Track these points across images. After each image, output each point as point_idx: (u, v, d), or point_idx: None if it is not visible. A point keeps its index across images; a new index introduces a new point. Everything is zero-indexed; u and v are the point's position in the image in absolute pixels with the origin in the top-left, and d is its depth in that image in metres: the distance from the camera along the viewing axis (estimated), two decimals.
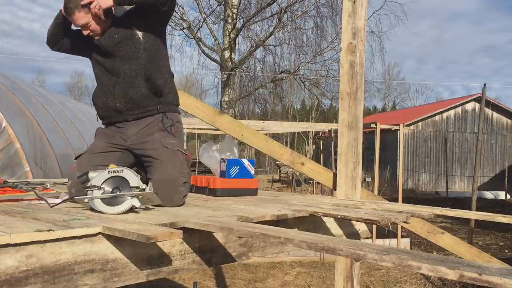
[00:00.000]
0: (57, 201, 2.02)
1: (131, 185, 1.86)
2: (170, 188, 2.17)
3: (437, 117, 22.48)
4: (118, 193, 1.84)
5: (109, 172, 1.87)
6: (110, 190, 1.85)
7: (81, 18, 2.21)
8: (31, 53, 76.91)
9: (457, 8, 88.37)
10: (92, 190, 1.83)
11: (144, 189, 1.86)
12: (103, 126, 2.50)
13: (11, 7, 75.45)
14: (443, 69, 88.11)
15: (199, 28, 15.96)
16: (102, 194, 1.83)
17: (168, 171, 2.22)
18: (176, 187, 2.19)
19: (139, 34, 2.31)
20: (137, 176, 1.88)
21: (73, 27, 2.38)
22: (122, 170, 1.88)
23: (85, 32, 2.27)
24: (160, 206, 2.16)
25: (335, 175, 3.13)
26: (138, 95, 2.32)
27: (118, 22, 2.31)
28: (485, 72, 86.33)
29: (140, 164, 2.38)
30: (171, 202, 2.15)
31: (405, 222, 2.07)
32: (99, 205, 1.80)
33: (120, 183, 1.86)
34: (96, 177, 1.87)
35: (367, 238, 2.91)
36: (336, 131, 10.46)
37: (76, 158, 2.34)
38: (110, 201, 1.82)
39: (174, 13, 15.39)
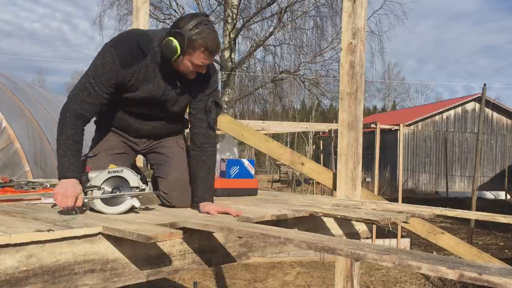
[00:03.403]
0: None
1: (131, 185, 1.84)
2: (188, 189, 2.13)
3: (437, 117, 22.47)
4: (118, 193, 1.83)
5: (109, 172, 1.85)
6: (110, 190, 1.83)
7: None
8: (32, 53, 77.19)
9: (458, 9, 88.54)
10: (91, 190, 1.81)
11: (144, 189, 1.85)
12: None
13: (12, 7, 75.76)
14: (444, 69, 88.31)
15: None
16: (102, 194, 1.82)
17: (187, 173, 2.17)
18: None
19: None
20: (136, 176, 1.87)
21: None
22: (122, 170, 1.87)
23: (201, 70, 1.98)
24: (164, 206, 2.15)
25: (335, 175, 3.13)
26: (162, 133, 2.26)
27: (189, 93, 2.10)
28: (485, 73, 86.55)
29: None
30: (185, 203, 2.13)
31: (405, 222, 2.07)
32: (99, 205, 1.79)
33: (120, 183, 1.85)
34: (96, 177, 1.85)
35: (367, 238, 2.91)
36: (336, 131, 10.45)
37: (89, 157, 2.16)
38: (110, 201, 1.81)
39: (174, 13, 15.42)
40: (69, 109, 1.88)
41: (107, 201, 1.81)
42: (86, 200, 1.82)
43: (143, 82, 1.99)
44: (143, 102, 2.05)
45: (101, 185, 1.82)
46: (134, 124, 2.16)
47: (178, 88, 2.05)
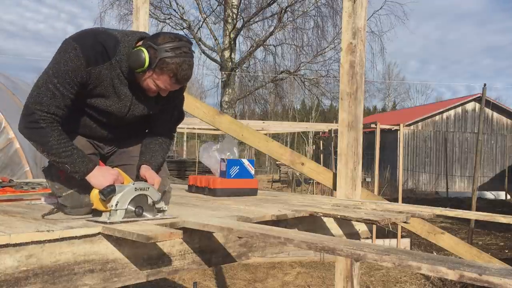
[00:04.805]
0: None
1: (157, 206, 1.70)
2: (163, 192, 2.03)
3: (437, 117, 22.47)
4: (141, 215, 1.66)
5: (135, 189, 1.66)
6: (133, 209, 1.65)
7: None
8: (35, 53, 77.36)
9: (461, 9, 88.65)
10: (116, 210, 1.60)
11: (165, 211, 1.72)
12: None
13: (17, 8, 76.04)
14: (447, 69, 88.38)
15: (199, 28, 15.97)
16: (125, 215, 1.62)
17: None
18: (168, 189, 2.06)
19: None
20: (159, 194, 1.73)
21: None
22: (148, 188, 1.70)
23: (163, 93, 1.86)
24: None
25: (335, 175, 3.13)
26: (130, 135, 2.08)
27: (152, 104, 1.95)
28: (487, 73, 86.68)
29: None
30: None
31: (405, 222, 2.07)
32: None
33: (142, 201, 1.68)
34: (122, 195, 1.63)
35: (367, 238, 2.91)
36: (336, 131, 10.45)
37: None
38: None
39: (174, 13, 15.43)
40: (37, 118, 1.65)
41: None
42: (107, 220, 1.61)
43: (108, 89, 1.81)
44: (109, 113, 1.89)
45: (127, 206, 1.63)
46: (100, 131, 1.97)
47: (144, 99, 1.90)
